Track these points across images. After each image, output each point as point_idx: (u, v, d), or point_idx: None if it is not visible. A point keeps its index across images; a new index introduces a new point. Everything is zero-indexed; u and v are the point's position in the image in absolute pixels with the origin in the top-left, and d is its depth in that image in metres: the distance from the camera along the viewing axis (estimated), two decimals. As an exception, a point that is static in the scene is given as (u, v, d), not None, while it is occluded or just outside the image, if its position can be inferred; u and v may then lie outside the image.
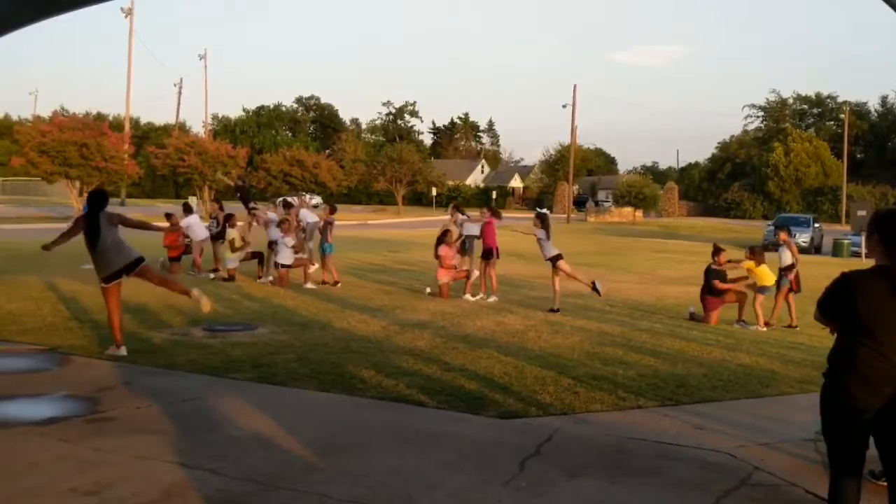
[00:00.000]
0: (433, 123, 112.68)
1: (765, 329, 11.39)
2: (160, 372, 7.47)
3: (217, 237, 16.46)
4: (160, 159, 44.91)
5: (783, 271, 12.02)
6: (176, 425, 5.76)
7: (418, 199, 72.93)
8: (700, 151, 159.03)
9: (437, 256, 13.75)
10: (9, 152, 54.35)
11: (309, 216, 15.16)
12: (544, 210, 14.76)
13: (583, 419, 6.32)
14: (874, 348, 3.44)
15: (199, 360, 7.97)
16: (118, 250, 8.07)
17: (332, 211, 15.35)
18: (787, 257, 12.08)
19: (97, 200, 8.20)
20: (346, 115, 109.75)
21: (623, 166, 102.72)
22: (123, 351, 8.10)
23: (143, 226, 9.01)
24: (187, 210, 16.94)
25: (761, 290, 11.83)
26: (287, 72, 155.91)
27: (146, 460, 4.98)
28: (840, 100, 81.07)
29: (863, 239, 25.00)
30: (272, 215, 15.34)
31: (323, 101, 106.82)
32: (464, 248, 14.14)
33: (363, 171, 68.77)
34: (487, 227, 13.44)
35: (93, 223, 8.00)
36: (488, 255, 13.33)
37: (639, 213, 60.52)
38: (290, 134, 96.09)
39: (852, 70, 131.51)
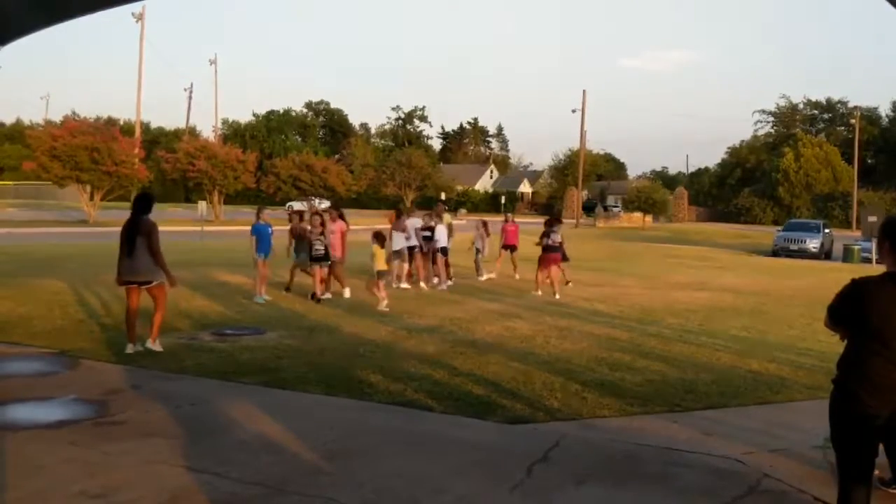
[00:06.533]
0: (442, 128, 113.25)
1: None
2: (169, 376, 7.50)
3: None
4: (170, 164, 45.12)
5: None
6: (184, 429, 5.78)
7: (427, 204, 72.97)
8: (710, 156, 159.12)
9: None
10: (20, 156, 54.81)
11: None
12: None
13: (591, 425, 6.30)
14: (884, 355, 3.42)
15: (207, 364, 8.01)
16: (138, 262, 8.24)
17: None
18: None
19: (137, 204, 8.46)
20: (355, 120, 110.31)
21: (632, 171, 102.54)
22: (129, 348, 8.34)
23: (156, 257, 8.27)
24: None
25: (380, 274, 12.47)
26: (297, 77, 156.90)
27: (154, 464, 5.00)
28: (851, 105, 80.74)
29: (873, 245, 24.84)
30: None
31: (332, 105, 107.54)
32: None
33: (372, 175, 68.85)
34: (506, 228, 17.79)
35: (129, 225, 8.26)
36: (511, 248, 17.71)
37: (648, 219, 60.32)
38: (299, 139, 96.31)
39: (863, 75, 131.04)
